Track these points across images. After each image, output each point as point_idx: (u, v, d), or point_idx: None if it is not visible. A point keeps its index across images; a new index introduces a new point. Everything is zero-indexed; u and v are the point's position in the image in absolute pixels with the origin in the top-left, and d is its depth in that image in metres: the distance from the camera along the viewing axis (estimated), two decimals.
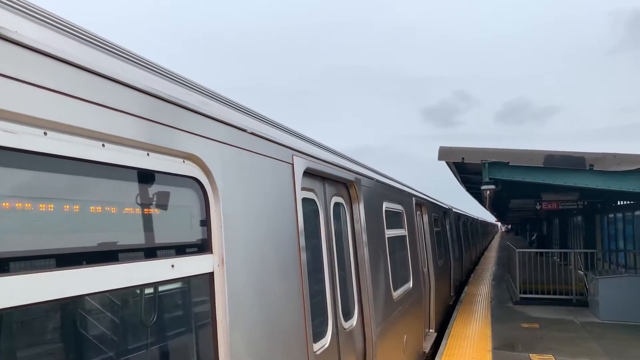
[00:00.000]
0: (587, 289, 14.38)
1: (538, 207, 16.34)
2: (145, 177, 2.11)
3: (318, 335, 4.05)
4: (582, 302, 14.32)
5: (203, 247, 2.46)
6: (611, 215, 18.67)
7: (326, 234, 4.55)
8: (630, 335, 10.89)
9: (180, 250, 2.32)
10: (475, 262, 32.09)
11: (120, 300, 2.12)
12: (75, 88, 1.72)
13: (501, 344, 10.27)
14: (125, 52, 2.22)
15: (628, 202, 16.41)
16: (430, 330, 10.61)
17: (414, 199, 9.73)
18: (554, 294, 14.99)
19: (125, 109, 1.94)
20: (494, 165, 11.40)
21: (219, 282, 2.48)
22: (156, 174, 2.16)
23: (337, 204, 5.02)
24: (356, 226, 5.46)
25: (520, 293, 15.29)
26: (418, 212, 10.46)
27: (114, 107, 1.88)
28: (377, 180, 6.79)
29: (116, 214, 2.01)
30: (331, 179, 4.85)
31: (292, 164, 3.65)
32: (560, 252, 20.88)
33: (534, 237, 42.92)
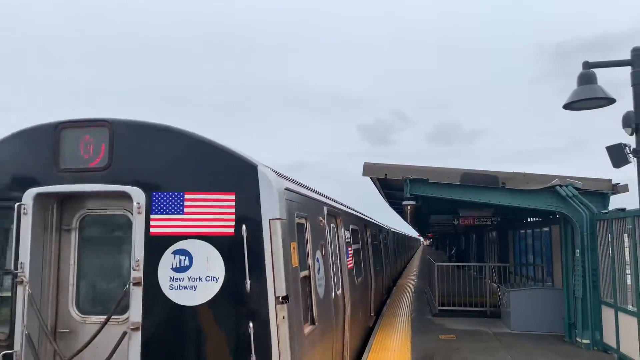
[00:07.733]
0: (500, 301, 15.14)
1: (456, 222, 17.06)
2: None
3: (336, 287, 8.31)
4: (496, 313, 14.99)
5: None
6: (522, 231, 19.79)
7: (332, 245, 8.25)
8: (537, 345, 11.57)
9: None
10: (400, 272, 33.52)
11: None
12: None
13: (421, 355, 10.58)
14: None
15: (536, 219, 17.52)
16: (372, 315, 14.01)
17: (363, 221, 13.61)
18: (471, 306, 15.67)
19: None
20: (414, 181, 11.84)
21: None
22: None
23: (332, 228, 8.68)
24: (340, 241, 9.26)
25: (439, 305, 15.84)
26: (365, 230, 14.01)
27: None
28: (348, 212, 10.88)
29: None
30: (330, 214, 8.47)
31: (324, 210, 7.77)
32: (477, 266, 21.87)
33: (453, 251, 44.63)
